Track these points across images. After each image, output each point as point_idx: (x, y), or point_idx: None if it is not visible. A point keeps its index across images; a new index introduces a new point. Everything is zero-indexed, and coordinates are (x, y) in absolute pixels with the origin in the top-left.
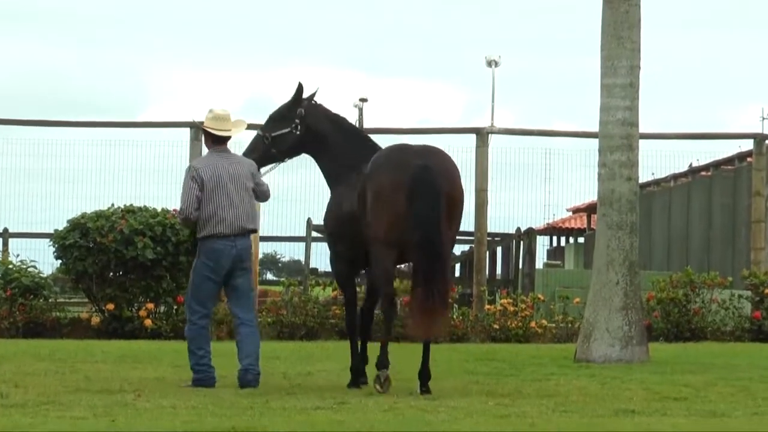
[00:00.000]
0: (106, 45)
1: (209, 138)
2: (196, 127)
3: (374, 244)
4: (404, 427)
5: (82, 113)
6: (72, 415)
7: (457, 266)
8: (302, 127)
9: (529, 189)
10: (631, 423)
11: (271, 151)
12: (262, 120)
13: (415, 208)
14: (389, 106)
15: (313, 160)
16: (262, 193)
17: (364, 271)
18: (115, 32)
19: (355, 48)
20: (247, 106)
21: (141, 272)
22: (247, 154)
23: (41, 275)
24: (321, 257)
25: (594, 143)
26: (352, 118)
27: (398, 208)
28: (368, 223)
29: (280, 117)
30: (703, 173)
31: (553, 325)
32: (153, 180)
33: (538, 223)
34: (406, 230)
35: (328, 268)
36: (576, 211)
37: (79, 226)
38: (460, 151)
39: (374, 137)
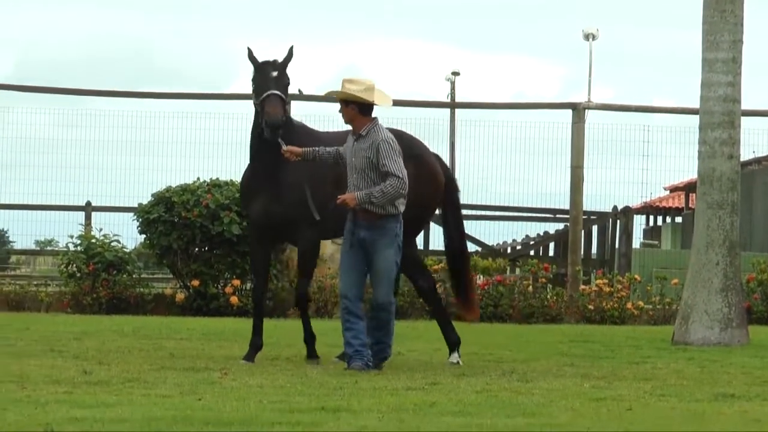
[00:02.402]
0: (192, 15)
1: (359, 109)
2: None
3: None
4: (497, 409)
5: (167, 85)
6: (157, 393)
7: (551, 245)
8: None
9: (626, 166)
10: (730, 408)
11: None
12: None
13: None
14: (482, 81)
15: None
16: None
17: None
18: (204, 2)
19: (447, 21)
20: (338, 79)
21: (227, 248)
22: None
23: (125, 250)
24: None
25: (694, 120)
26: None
27: None
28: None
29: None
30: None
31: (650, 306)
32: (239, 153)
33: (635, 202)
34: None
35: (418, 247)
36: (674, 189)
37: (163, 200)
38: (556, 127)
39: (466, 112)
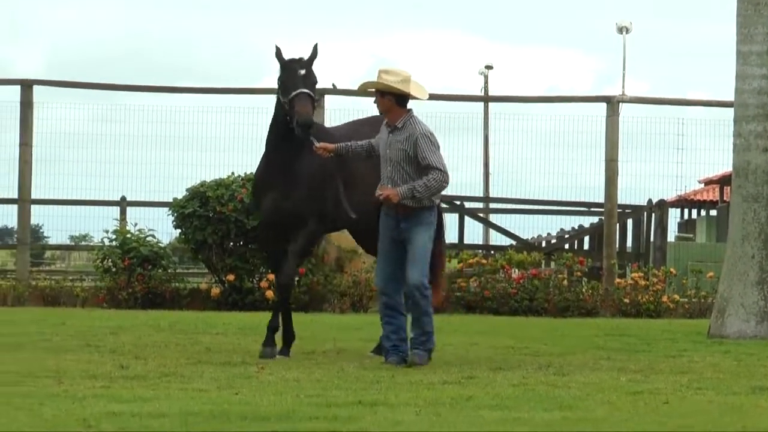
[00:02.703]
0: (223, 12)
1: (395, 101)
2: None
3: None
4: (534, 403)
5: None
6: (194, 387)
7: (587, 239)
8: None
9: (661, 160)
10: (767, 401)
11: None
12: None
13: None
14: (516, 74)
15: None
16: None
17: None
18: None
19: (481, 14)
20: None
21: None
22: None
23: (160, 245)
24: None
25: (729, 113)
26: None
27: None
28: None
29: None
30: None
31: (686, 299)
32: None
33: (670, 195)
34: None
35: (453, 241)
36: (708, 182)
37: (198, 194)
38: (590, 121)
39: (500, 105)
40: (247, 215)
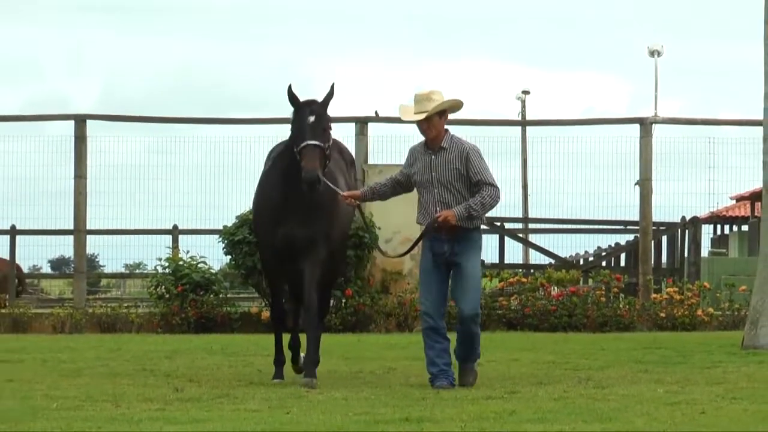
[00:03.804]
0: (272, 42)
1: (441, 120)
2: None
3: None
4: (574, 415)
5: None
6: (247, 407)
7: (623, 256)
8: None
9: (693, 178)
10: None
11: None
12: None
13: None
14: (552, 98)
15: None
16: None
17: None
18: (280, 30)
19: (516, 42)
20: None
21: None
22: None
23: (211, 271)
24: (487, 249)
25: (759, 131)
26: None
27: None
28: None
29: None
30: None
31: (720, 312)
32: None
33: (702, 212)
34: None
35: (494, 260)
36: (740, 199)
37: (247, 221)
38: (624, 141)
39: (537, 129)
40: None
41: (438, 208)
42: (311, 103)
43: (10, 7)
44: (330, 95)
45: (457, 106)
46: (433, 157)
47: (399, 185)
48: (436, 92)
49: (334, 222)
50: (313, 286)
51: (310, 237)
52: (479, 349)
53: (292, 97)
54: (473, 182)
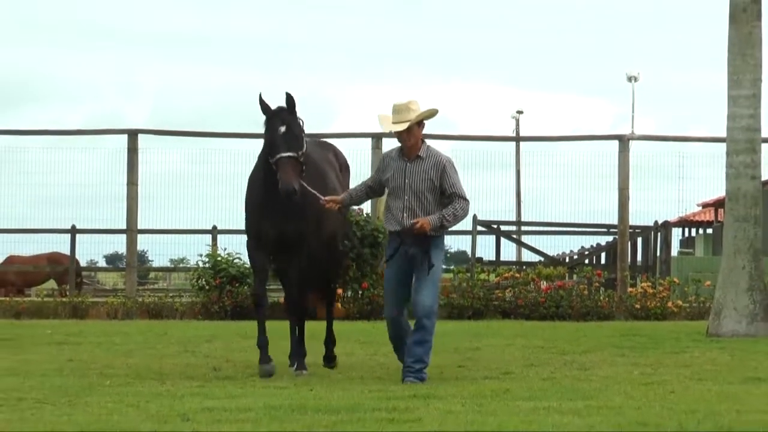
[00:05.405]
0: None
1: (418, 130)
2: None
3: None
4: (561, 393)
5: None
6: (275, 385)
7: (603, 255)
8: None
9: (665, 187)
10: (758, 389)
11: None
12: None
13: None
14: (543, 118)
15: None
16: None
17: None
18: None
19: (512, 68)
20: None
21: None
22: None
23: (245, 266)
24: (485, 248)
25: (722, 147)
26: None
27: None
28: None
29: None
30: None
31: (687, 305)
32: None
33: (673, 217)
34: None
35: (491, 258)
36: (705, 205)
37: None
38: (605, 156)
39: (529, 144)
40: None
41: (405, 215)
42: (281, 112)
43: (72, 38)
44: (293, 101)
45: (434, 114)
46: (408, 164)
47: (371, 190)
48: (414, 102)
49: (319, 221)
50: (294, 286)
51: (292, 235)
52: (429, 356)
53: (264, 106)
54: (446, 194)
